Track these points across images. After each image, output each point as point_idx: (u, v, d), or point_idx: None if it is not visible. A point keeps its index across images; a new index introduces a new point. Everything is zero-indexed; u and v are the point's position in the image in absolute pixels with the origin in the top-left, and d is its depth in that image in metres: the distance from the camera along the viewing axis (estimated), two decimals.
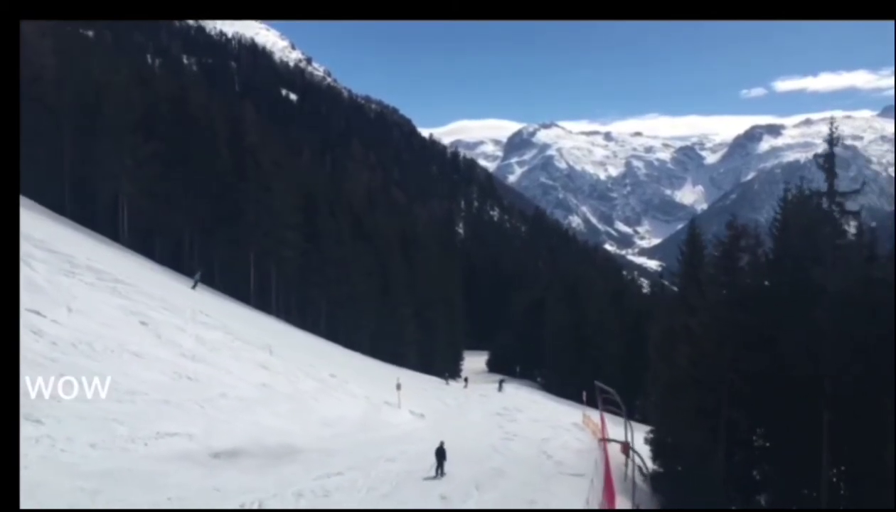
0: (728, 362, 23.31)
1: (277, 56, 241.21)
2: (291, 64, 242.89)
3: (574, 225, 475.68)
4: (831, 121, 22.05)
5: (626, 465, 33.69)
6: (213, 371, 27.34)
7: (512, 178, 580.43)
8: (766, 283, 23.97)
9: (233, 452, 21.67)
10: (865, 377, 21.71)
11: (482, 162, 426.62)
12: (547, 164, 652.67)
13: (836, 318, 21.42)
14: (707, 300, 24.32)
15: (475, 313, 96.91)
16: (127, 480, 16.81)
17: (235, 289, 51.70)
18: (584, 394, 43.85)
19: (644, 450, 32.29)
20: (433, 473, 23.12)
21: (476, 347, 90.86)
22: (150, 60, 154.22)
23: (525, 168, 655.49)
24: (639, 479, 30.44)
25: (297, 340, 45.60)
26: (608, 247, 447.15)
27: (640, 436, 33.68)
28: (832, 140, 22.10)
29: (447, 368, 71.44)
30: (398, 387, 35.26)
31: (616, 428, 34.21)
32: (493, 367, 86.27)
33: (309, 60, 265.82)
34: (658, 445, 30.67)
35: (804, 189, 24.47)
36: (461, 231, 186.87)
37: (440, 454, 23.44)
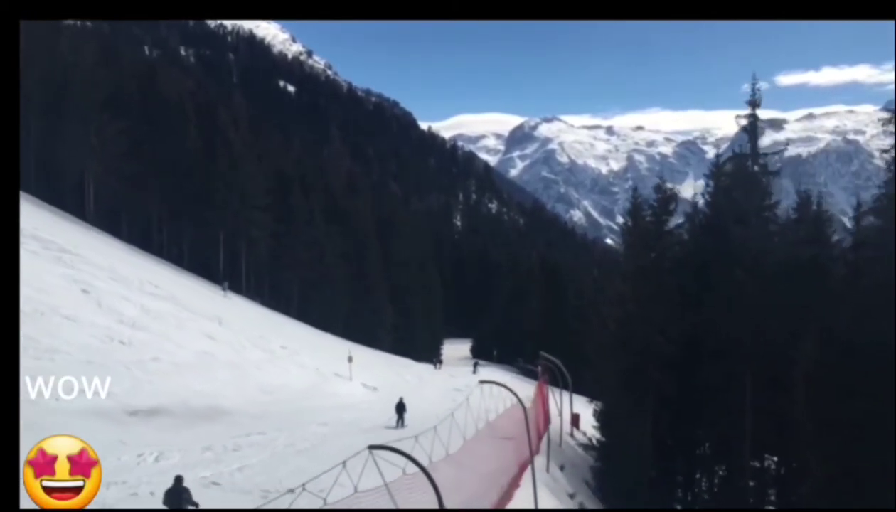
0: (654, 325, 23.24)
1: (277, 49, 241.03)
2: (290, 56, 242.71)
3: (575, 219, 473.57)
4: (753, 81, 21.94)
5: (572, 435, 33.81)
6: (150, 337, 27.34)
7: (514, 172, 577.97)
8: (694, 246, 23.88)
9: (152, 411, 21.65)
10: (787, 339, 21.64)
11: (484, 156, 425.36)
12: (548, 159, 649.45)
13: (757, 277, 21.36)
14: (636, 263, 24.26)
15: (464, 303, 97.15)
16: (23, 429, 16.83)
17: (205, 269, 51.74)
18: (539, 367, 43.77)
19: (592, 421, 32.31)
20: (394, 424, 25.80)
21: (464, 335, 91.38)
22: (147, 52, 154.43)
23: (527, 162, 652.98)
24: (579, 449, 30.50)
25: (256, 314, 45.43)
26: (609, 241, 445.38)
27: (590, 408, 33.81)
28: (754, 101, 22.01)
29: (426, 354, 71.38)
30: (350, 359, 35.20)
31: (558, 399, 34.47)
32: (477, 353, 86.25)
33: (310, 53, 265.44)
34: (604, 417, 30.61)
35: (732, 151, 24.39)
36: (458, 223, 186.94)
37: (400, 408, 26.43)
